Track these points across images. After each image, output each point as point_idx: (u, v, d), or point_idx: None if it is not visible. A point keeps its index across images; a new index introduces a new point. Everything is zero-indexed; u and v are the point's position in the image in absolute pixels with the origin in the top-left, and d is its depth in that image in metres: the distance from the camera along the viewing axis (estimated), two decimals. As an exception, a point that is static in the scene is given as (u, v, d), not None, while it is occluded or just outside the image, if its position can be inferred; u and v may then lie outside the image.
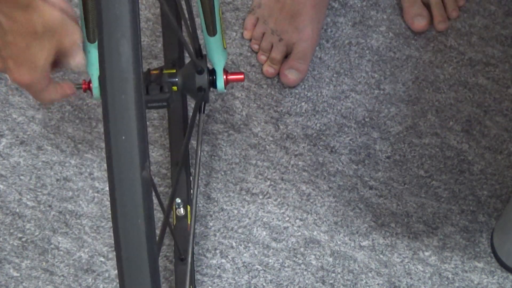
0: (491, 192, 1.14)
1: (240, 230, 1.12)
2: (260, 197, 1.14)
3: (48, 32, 0.69)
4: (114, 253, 1.09)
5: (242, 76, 0.95)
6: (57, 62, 0.75)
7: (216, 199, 1.13)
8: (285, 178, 1.15)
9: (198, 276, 1.09)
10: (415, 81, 1.20)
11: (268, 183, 1.14)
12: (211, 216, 1.13)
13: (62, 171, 1.15)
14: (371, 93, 1.19)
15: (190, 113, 1.17)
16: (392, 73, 1.20)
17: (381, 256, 1.11)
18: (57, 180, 1.14)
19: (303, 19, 1.18)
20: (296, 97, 1.19)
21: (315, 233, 1.12)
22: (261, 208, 1.13)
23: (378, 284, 1.09)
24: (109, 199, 1.13)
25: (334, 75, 1.20)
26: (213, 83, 0.92)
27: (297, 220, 1.13)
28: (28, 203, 1.13)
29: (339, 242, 1.11)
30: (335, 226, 1.12)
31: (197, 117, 0.93)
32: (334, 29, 1.23)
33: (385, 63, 1.21)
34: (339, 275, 1.10)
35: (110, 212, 1.12)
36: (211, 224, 1.12)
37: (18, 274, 1.10)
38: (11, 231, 1.12)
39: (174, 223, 1.06)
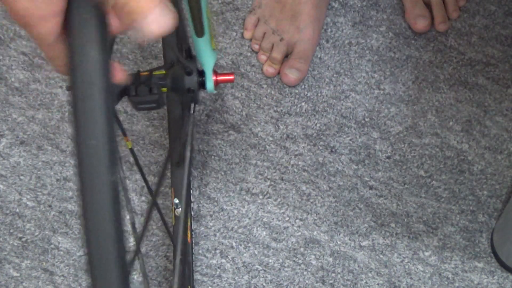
0: (491, 192, 1.14)
1: (240, 230, 1.12)
2: (260, 197, 1.14)
3: None
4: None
5: (232, 77, 0.95)
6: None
7: (216, 199, 1.13)
8: (285, 178, 1.15)
9: (198, 276, 1.09)
10: (415, 81, 1.20)
11: (268, 183, 1.14)
12: (211, 216, 1.13)
13: (62, 171, 1.15)
14: (371, 93, 1.19)
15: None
16: (392, 73, 1.21)
17: (381, 256, 1.11)
18: (57, 180, 1.14)
19: (304, 19, 1.18)
20: (296, 97, 1.19)
21: (315, 233, 1.12)
22: (261, 208, 1.13)
23: (378, 284, 1.10)
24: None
25: (334, 75, 1.20)
26: (202, 84, 0.93)
27: (297, 220, 1.13)
28: (28, 203, 1.13)
29: (339, 242, 1.11)
30: (335, 226, 1.12)
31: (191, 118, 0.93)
32: (334, 29, 1.23)
33: (385, 63, 1.21)
34: (339, 275, 1.10)
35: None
36: (211, 224, 1.12)
37: (18, 274, 1.10)
38: (11, 231, 1.12)
39: (173, 223, 1.06)
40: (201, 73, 0.93)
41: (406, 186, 1.14)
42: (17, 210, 1.13)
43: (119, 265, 0.54)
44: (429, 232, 1.12)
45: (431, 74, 1.21)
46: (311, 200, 1.14)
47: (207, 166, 1.15)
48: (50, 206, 1.13)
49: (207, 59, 0.93)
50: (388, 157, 1.16)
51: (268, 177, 1.15)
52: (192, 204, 1.12)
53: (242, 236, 1.12)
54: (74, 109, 0.53)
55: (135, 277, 1.09)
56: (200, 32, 0.89)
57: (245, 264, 1.10)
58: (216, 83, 0.94)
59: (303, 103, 1.19)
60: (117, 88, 0.83)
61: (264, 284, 1.09)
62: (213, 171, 1.15)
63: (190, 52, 0.93)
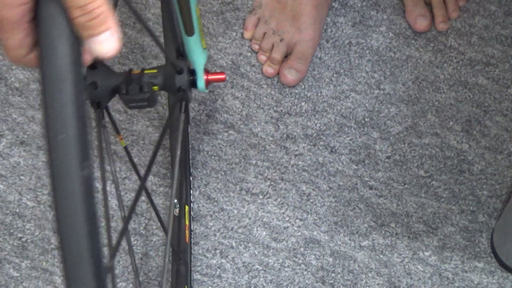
0: (491, 192, 1.14)
1: (240, 230, 1.12)
2: (260, 197, 1.14)
3: None
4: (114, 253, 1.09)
5: (223, 76, 0.96)
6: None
7: (216, 199, 1.13)
8: (285, 178, 1.15)
9: (198, 276, 1.09)
10: (415, 81, 1.20)
11: (268, 183, 1.14)
12: (211, 216, 1.13)
13: (62, 171, 1.14)
14: (371, 93, 1.19)
15: (191, 114, 1.17)
16: (392, 73, 1.21)
17: (381, 256, 1.11)
18: (57, 180, 1.14)
19: (305, 19, 1.18)
20: (296, 97, 1.19)
21: (315, 233, 1.12)
22: (261, 208, 1.13)
23: (378, 284, 1.10)
24: (109, 199, 1.13)
25: (334, 75, 1.20)
26: (194, 83, 0.93)
27: (297, 220, 1.13)
28: (28, 203, 1.13)
29: (339, 242, 1.11)
30: (335, 226, 1.12)
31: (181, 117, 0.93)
32: (334, 29, 1.23)
33: (385, 63, 1.21)
34: (339, 275, 1.10)
35: (110, 212, 1.12)
36: (211, 224, 1.12)
37: (18, 274, 1.10)
38: (11, 231, 1.12)
39: (171, 224, 1.06)
40: (192, 72, 0.93)
41: (406, 186, 1.14)
42: (17, 210, 1.13)
43: (92, 262, 0.53)
44: (429, 232, 1.12)
45: (431, 74, 1.21)
46: (311, 200, 1.14)
47: (207, 166, 1.15)
48: (50, 206, 1.13)
49: (197, 58, 0.93)
50: (388, 157, 1.16)
51: (268, 177, 1.15)
52: (192, 204, 1.12)
53: (242, 236, 1.12)
54: (44, 103, 0.53)
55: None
56: (189, 31, 0.89)
57: (245, 264, 1.10)
58: (207, 82, 0.94)
59: (303, 103, 1.19)
60: (108, 87, 0.83)
61: (264, 284, 1.09)
62: (213, 171, 1.15)
63: (181, 51, 0.93)
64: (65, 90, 0.53)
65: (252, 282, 1.09)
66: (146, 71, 0.87)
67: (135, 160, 1.15)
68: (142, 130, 1.17)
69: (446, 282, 1.10)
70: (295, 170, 1.15)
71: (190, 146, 1.15)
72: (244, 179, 1.15)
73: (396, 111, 1.18)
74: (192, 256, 1.10)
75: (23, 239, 1.11)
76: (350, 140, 1.17)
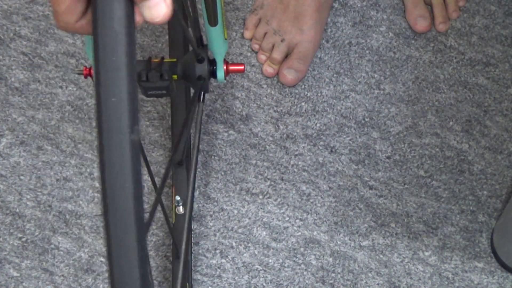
0: (491, 192, 1.14)
1: (240, 230, 1.12)
2: (260, 197, 1.14)
3: None
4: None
5: (242, 67, 0.96)
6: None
7: (216, 199, 1.13)
8: (285, 178, 1.15)
9: (198, 276, 1.09)
10: (415, 81, 1.20)
11: (268, 183, 1.14)
12: (211, 216, 1.12)
13: (62, 171, 1.15)
14: (371, 93, 1.19)
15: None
16: (392, 73, 1.21)
17: (381, 256, 1.11)
18: (57, 180, 1.14)
19: (307, 20, 1.18)
20: (296, 97, 1.19)
21: (315, 233, 1.12)
22: (261, 208, 1.13)
23: (378, 284, 1.09)
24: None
25: (334, 75, 1.20)
26: (213, 73, 0.93)
27: (297, 220, 1.13)
28: (28, 203, 1.13)
29: (339, 242, 1.11)
30: (335, 226, 1.12)
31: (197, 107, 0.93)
32: (334, 29, 1.23)
33: (385, 63, 1.21)
34: (339, 275, 1.10)
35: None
36: (211, 224, 1.12)
37: (18, 274, 1.10)
38: (11, 231, 1.12)
39: (173, 221, 1.06)
40: (212, 62, 0.93)
41: (406, 186, 1.14)
42: (17, 210, 1.13)
43: (136, 224, 0.54)
44: (429, 232, 1.12)
45: (431, 74, 1.21)
46: (311, 200, 1.14)
47: (207, 166, 1.15)
48: (50, 206, 1.13)
49: (218, 49, 0.93)
50: (388, 157, 1.16)
51: (268, 177, 1.15)
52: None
53: (242, 236, 1.12)
54: (96, 65, 0.53)
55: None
56: (213, 21, 0.89)
57: (245, 264, 1.10)
58: (227, 73, 0.94)
59: (303, 103, 1.19)
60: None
61: (264, 284, 1.09)
62: (213, 171, 1.15)
63: (201, 40, 0.93)
64: (120, 53, 0.53)
65: (252, 282, 1.09)
66: (165, 60, 0.87)
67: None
68: (142, 130, 1.17)
69: (446, 282, 1.10)
70: (295, 170, 1.15)
71: (191, 144, 1.15)
72: (244, 179, 1.15)
73: (396, 111, 1.18)
74: (192, 255, 1.10)
75: (23, 239, 1.11)
76: (350, 140, 1.17)
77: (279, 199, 1.14)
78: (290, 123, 1.17)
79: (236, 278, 1.10)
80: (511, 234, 1.06)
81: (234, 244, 1.11)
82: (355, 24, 1.23)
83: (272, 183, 1.14)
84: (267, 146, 1.16)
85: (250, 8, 1.23)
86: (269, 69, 1.19)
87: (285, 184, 1.14)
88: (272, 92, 1.19)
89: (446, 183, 1.15)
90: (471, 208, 1.13)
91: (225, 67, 0.94)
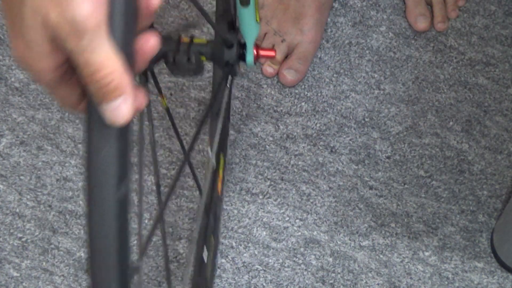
0: (491, 192, 1.14)
1: (240, 230, 1.12)
2: (260, 197, 1.14)
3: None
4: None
5: (273, 53, 0.92)
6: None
7: (216, 199, 1.13)
8: (285, 178, 1.15)
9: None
10: (415, 81, 1.20)
11: (268, 183, 1.14)
12: (211, 216, 1.13)
13: (62, 171, 1.15)
14: (371, 93, 1.19)
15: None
16: (392, 73, 1.21)
17: (381, 256, 1.11)
18: (57, 180, 1.14)
19: (307, 21, 1.18)
20: (296, 97, 1.19)
21: (315, 233, 1.12)
22: (261, 208, 1.13)
23: (378, 284, 1.10)
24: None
25: (334, 75, 1.20)
26: (242, 57, 0.90)
27: (297, 220, 1.13)
28: (28, 203, 1.13)
29: (339, 242, 1.11)
30: (335, 226, 1.12)
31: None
32: (334, 29, 1.23)
33: (385, 63, 1.21)
34: (339, 275, 1.10)
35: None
36: (211, 224, 1.12)
37: (18, 274, 1.10)
38: (11, 231, 1.12)
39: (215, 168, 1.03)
40: (242, 46, 0.90)
41: (406, 186, 1.14)
42: (17, 210, 1.13)
43: (120, 280, 0.53)
44: (429, 232, 1.12)
45: (431, 74, 1.21)
46: (311, 200, 1.14)
47: (207, 166, 1.15)
48: (50, 206, 1.13)
49: (250, 31, 0.89)
50: (388, 157, 1.16)
51: (268, 177, 1.15)
52: (223, 161, 1.08)
53: (242, 236, 1.12)
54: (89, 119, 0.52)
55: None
56: (245, 1, 0.87)
57: (245, 264, 1.10)
58: (257, 58, 0.91)
59: (303, 103, 1.19)
60: (156, 52, 0.82)
61: (264, 284, 1.09)
62: (213, 171, 1.15)
63: (233, 24, 0.91)
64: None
65: (252, 282, 1.09)
66: (195, 40, 0.85)
67: (134, 160, 1.15)
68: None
69: (446, 282, 1.10)
70: (295, 170, 1.15)
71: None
72: (244, 179, 1.15)
73: (396, 111, 1.18)
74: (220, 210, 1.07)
75: (23, 239, 1.11)
76: (350, 140, 1.17)
77: (279, 199, 1.14)
78: (290, 123, 1.17)
79: (236, 278, 1.10)
80: (511, 234, 1.06)
81: (234, 244, 1.11)
82: (355, 24, 1.23)
83: (272, 183, 1.14)
84: (267, 146, 1.16)
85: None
86: (269, 69, 1.19)
87: (285, 184, 1.14)
88: (272, 92, 1.19)
89: (446, 183, 1.15)
90: (471, 208, 1.13)
91: (255, 52, 0.90)
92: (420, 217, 1.13)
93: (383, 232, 1.12)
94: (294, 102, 1.19)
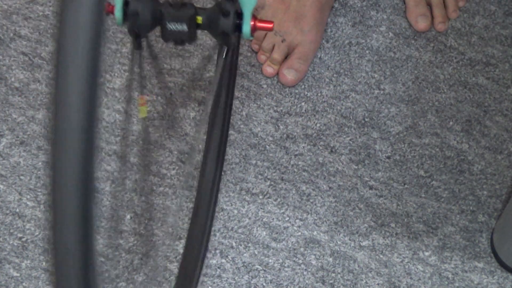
0: (491, 192, 1.14)
1: (240, 230, 1.12)
2: (260, 197, 1.14)
3: None
4: (114, 253, 1.09)
5: (271, 25, 0.89)
6: None
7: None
8: (285, 178, 1.15)
9: (198, 276, 1.09)
10: (415, 81, 1.20)
11: (268, 183, 1.14)
12: (211, 216, 1.13)
13: (62, 171, 1.14)
14: (371, 93, 1.19)
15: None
16: (392, 73, 1.21)
17: (381, 256, 1.11)
18: (57, 180, 1.14)
19: (308, 21, 1.18)
20: (296, 97, 1.19)
21: (315, 233, 1.12)
22: (261, 208, 1.13)
23: (378, 284, 1.09)
24: (109, 199, 1.13)
25: (334, 75, 1.20)
26: (239, 27, 0.87)
27: (297, 220, 1.13)
28: (28, 203, 1.13)
29: (339, 242, 1.11)
30: (335, 226, 1.12)
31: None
32: (334, 29, 1.23)
33: (385, 63, 1.21)
34: (339, 275, 1.10)
35: (110, 212, 1.11)
36: (211, 224, 1.12)
37: (18, 274, 1.10)
38: (11, 231, 1.12)
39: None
40: (239, 16, 0.87)
41: (406, 186, 1.14)
42: (17, 210, 1.13)
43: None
44: (429, 232, 1.12)
45: (431, 74, 1.21)
46: (311, 200, 1.14)
47: (207, 166, 1.15)
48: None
49: (248, 1, 0.86)
50: (388, 157, 1.16)
51: (268, 177, 1.15)
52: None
53: (242, 236, 1.12)
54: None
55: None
56: None
57: (245, 264, 1.10)
58: (254, 29, 0.88)
59: (303, 103, 1.19)
60: (149, 18, 0.79)
61: (264, 284, 1.09)
62: (213, 171, 1.15)
63: None
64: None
65: (252, 282, 1.09)
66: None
67: (135, 160, 1.15)
68: (142, 130, 1.17)
69: (446, 282, 1.10)
70: (295, 170, 1.15)
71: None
72: (244, 179, 1.15)
73: (396, 111, 1.18)
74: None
75: (23, 239, 1.11)
76: (350, 140, 1.17)
77: (279, 199, 1.14)
78: (290, 123, 1.17)
79: (236, 278, 1.10)
80: (511, 234, 1.06)
81: (234, 244, 1.11)
82: (355, 24, 1.23)
83: (272, 183, 1.14)
84: (267, 146, 1.16)
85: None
86: (269, 69, 1.19)
87: (285, 184, 1.14)
88: (272, 92, 1.19)
89: (446, 183, 1.15)
90: (471, 208, 1.13)
91: (252, 22, 0.87)
92: (420, 217, 1.13)
93: (383, 232, 1.12)
94: (294, 102, 1.19)
